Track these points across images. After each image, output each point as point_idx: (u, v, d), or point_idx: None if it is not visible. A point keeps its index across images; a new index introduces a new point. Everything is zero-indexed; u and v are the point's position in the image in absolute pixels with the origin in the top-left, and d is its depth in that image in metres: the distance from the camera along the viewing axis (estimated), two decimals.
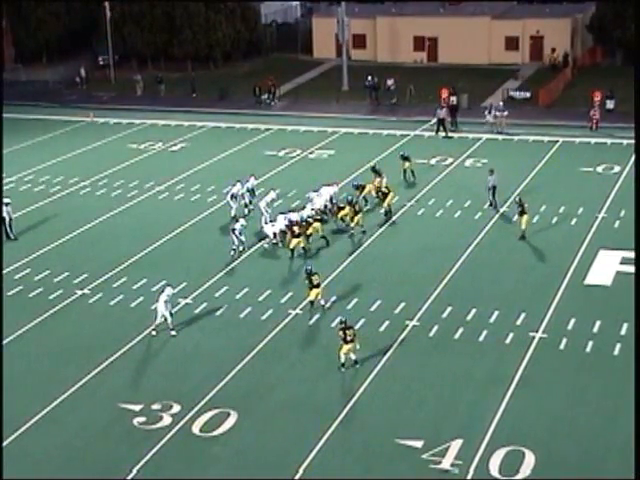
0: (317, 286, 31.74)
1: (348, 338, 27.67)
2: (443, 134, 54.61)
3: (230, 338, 30.20)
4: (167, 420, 25.38)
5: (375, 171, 43.25)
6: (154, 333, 30.32)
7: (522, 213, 37.73)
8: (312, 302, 31.91)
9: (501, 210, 41.32)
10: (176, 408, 25.92)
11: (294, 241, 36.40)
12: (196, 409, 25.84)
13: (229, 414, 25.62)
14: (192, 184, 46.00)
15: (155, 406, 26.05)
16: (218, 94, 66.21)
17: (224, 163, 50.27)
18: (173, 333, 30.30)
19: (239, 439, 24.57)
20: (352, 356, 27.87)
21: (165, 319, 30.23)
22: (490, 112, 55.46)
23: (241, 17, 78.17)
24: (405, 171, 45.64)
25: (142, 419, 25.47)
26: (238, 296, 33.16)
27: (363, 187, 41.52)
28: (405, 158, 45.83)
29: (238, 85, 67.96)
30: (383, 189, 40.89)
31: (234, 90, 66.75)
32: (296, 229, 36.56)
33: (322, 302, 31.98)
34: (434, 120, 55.95)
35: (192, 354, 29.24)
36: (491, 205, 41.62)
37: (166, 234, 39.33)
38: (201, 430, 24.94)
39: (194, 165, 49.30)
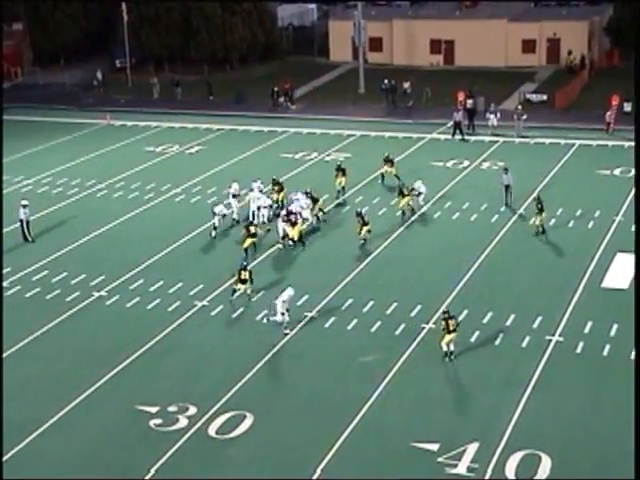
0: (244, 282, 32.35)
1: (451, 328, 27.93)
2: (459, 137, 54.57)
3: (246, 340, 30.25)
4: (183, 422, 25.44)
5: (341, 170, 44.12)
6: (287, 331, 30.39)
7: (541, 211, 37.77)
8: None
9: (518, 212, 41.24)
10: (192, 410, 25.98)
11: (248, 241, 36.63)
12: (212, 411, 25.89)
13: (245, 416, 25.66)
14: (209, 187, 46.10)
15: (171, 408, 26.12)
16: (235, 97, 66.32)
17: (241, 166, 50.34)
18: (286, 332, 30.35)
19: (255, 441, 24.61)
20: (451, 347, 28.16)
21: (283, 315, 30.32)
22: (495, 115, 55.42)
23: (257, 20, 78.28)
24: (383, 176, 45.59)
25: (158, 421, 25.54)
26: (254, 299, 33.20)
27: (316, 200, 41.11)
28: (389, 161, 45.77)
29: (255, 88, 68.04)
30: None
31: (251, 93, 66.84)
32: (252, 229, 36.81)
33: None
34: (450, 123, 55.92)
35: (208, 356, 29.31)
36: (507, 205, 41.65)
37: (183, 236, 39.43)
38: (217, 432, 25.00)
39: (211, 168, 49.42)
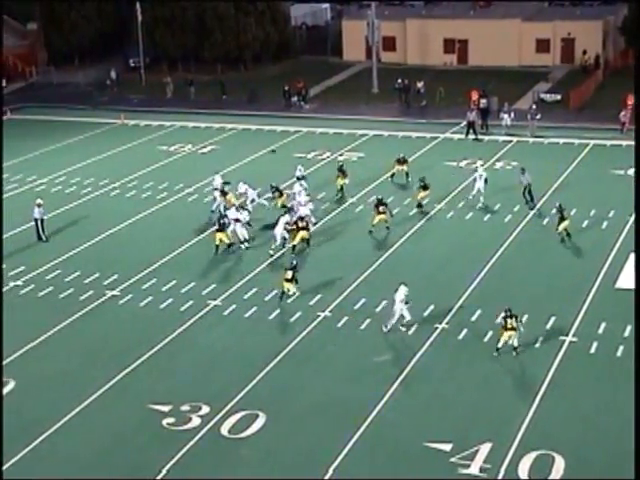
0: (289, 280, 32.25)
1: (508, 326, 28.09)
2: (473, 137, 54.46)
3: (259, 340, 30.25)
4: (196, 421, 25.45)
5: (342, 171, 44.42)
6: (385, 330, 30.28)
7: (562, 219, 37.24)
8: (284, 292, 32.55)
9: (532, 212, 41.12)
10: (205, 409, 25.98)
11: (218, 235, 36.95)
12: (225, 410, 25.89)
13: (258, 416, 25.65)
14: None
15: (184, 407, 26.13)
16: (248, 96, 66.37)
17: (253, 165, 50.36)
18: (403, 329, 30.31)
19: (267, 441, 24.59)
20: (515, 342, 28.42)
21: (403, 317, 30.18)
22: (508, 114, 55.31)
23: (271, 19, 78.33)
24: (394, 175, 45.79)
25: (171, 420, 25.55)
26: (267, 298, 33.20)
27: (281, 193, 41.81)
28: (403, 161, 45.96)
29: (268, 87, 68.06)
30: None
31: (264, 92, 66.87)
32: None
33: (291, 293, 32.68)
34: (464, 123, 55.82)
35: (221, 355, 29.32)
36: (527, 203, 41.55)
37: (196, 236, 39.47)
38: (230, 432, 24.99)
39: (223, 167, 49.36)
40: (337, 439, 24.41)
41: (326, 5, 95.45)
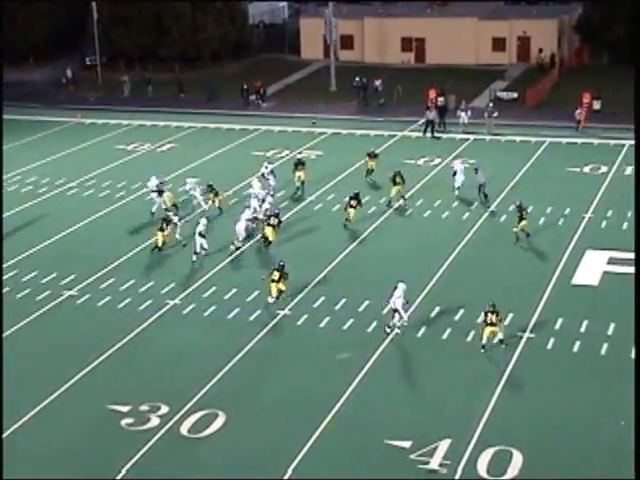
0: (276, 281, 32.11)
1: (488, 321, 28.40)
2: (430, 135, 54.75)
3: (218, 339, 30.19)
4: (155, 421, 25.34)
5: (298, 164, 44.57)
6: (388, 330, 30.05)
7: (521, 218, 37.30)
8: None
9: (489, 209, 41.44)
10: (164, 409, 25.88)
11: (160, 234, 36.94)
12: (184, 410, 25.81)
13: (217, 415, 25.60)
14: (180, 185, 45.88)
15: (143, 407, 26.01)
16: (206, 95, 66.16)
17: (212, 164, 50.24)
18: (397, 331, 30.11)
19: (228, 440, 24.56)
20: (499, 336, 28.74)
21: (401, 317, 30.05)
22: (466, 112, 55.72)
23: (229, 17, 78.09)
24: (370, 170, 45.91)
25: (130, 420, 25.42)
26: (226, 297, 33.15)
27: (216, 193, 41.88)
28: (373, 156, 46.20)
29: (226, 86, 67.89)
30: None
31: (222, 91, 66.68)
32: (164, 224, 37.02)
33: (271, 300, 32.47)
34: (422, 121, 56.11)
35: (180, 355, 29.21)
36: (482, 202, 41.95)
37: (154, 235, 39.21)
38: (189, 431, 24.92)
39: (182, 166, 49.24)
40: (297, 437, 24.44)
41: (284, 3, 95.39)
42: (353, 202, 39.43)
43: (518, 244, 37.33)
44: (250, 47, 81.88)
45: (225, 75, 73.74)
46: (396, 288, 29.99)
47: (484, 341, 28.76)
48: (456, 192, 43.04)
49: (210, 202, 41.69)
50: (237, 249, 37.21)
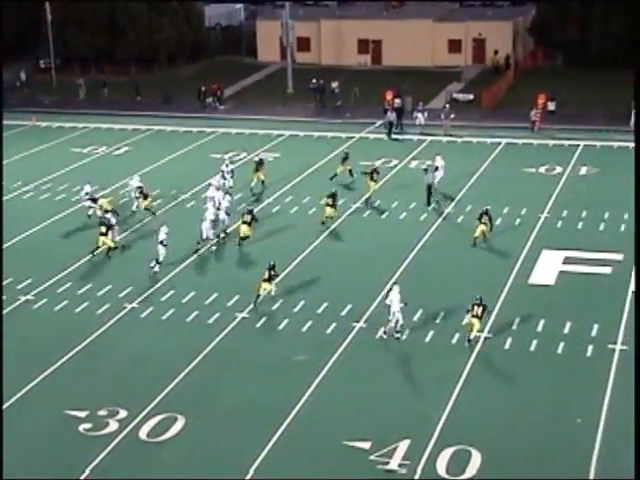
0: (267, 280, 32.18)
1: (474, 313, 28.89)
2: (387, 137, 54.95)
3: (177, 342, 30.05)
4: (114, 426, 25.16)
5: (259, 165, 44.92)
6: (397, 335, 29.86)
7: (483, 224, 37.25)
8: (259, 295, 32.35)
9: (446, 210, 41.66)
10: (122, 414, 25.71)
11: (101, 239, 36.69)
12: (143, 414, 25.64)
13: (176, 419, 25.48)
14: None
15: (101, 412, 25.81)
16: (163, 97, 65.87)
17: (169, 166, 50.02)
18: (397, 335, 29.85)
19: (187, 444, 24.44)
20: (474, 332, 29.17)
21: (398, 321, 29.78)
22: (422, 114, 56.02)
23: (185, 19, 77.92)
24: (350, 171, 45.93)
25: (88, 425, 25.22)
26: (184, 300, 33.01)
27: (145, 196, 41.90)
28: (345, 158, 46.33)
29: (183, 88, 67.66)
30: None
31: (179, 93, 66.46)
32: (104, 229, 36.75)
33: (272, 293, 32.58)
34: (380, 122, 56.34)
35: (138, 359, 29.04)
36: (431, 204, 42.01)
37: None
38: (148, 435, 24.78)
39: (139, 169, 48.90)
40: (257, 439, 24.40)
41: (240, 5, 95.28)
42: (329, 201, 39.53)
43: (475, 244, 37.57)
44: (207, 49, 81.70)
45: (182, 77, 73.50)
46: (391, 290, 29.99)
47: (472, 335, 29.21)
48: (436, 187, 43.53)
49: (136, 205, 41.53)
50: (198, 250, 37.19)
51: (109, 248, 36.93)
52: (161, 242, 35.30)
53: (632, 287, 33.11)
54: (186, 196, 44.33)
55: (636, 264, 34.22)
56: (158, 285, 34.19)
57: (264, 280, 32.22)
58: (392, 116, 55.48)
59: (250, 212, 38.12)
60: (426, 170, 43.05)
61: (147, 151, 53.16)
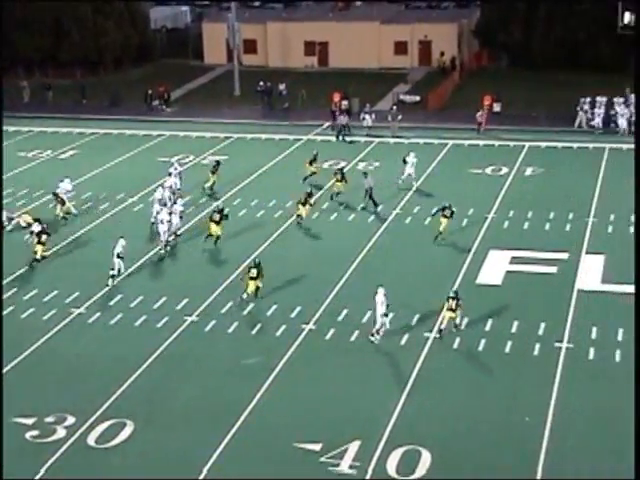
0: (254, 278, 32.41)
1: (449, 306, 29.58)
2: (335, 138, 55.07)
3: (125, 347, 29.81)
4: (61, 433, 24.90)
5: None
6: (373, 338, 29.68)
7: (445, 217, 37.72)
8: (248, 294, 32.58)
9: (394, 213, 41.84)
10: (70, 420, 25.45)
11: (39, 247, 36.38)
12: (91, 420, 25.41)
13: (125, 424, 25.29)
14: (83, 192, 45.23)
15: (48, 419, 25.52)
16: (108, 100, 65.36)
17: (116, 170, 49.63)
18: (372, 339, 29.67)
19: (137, 449, 24.27)
20: (457, 321, 29.93)
21: (384, 324, 29.68)
22: (370, 115, 56.27)
23: (130, 21, 77.36)
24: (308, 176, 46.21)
25: (35, 433, 24.92)
26: (132, 304, 32.78)
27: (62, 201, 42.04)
28: (313, 160, 46.73)
29: (129, 91, 67.20)
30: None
31: (125, 96, 65.98)
32: (44, 237, 36.40)
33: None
34: (327, 124, 56.48)
35: (86, 364, 28.75)
36: (367, 207, 42.14)
37: (57, 243, 38.58)
38: (97, 441, 24.55)
39: (85, 173, 48.52)
40: (208, 443, 24.30)
41: (186, 8, 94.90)
42: (303, 200, 40.01)
43: (424, 244, 37.79)
44: (153, 52, 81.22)
45: (127, 80, 72.97)
46: (376, 293, 30.00)
47: (443, 326, 29.69)
48: (400, 182, 44.64)
49: (58, 210, 41.23)
50: (165, 250, 37.22)
51: (34, 259, 36.31)
52: (118, 255, 34.55)
53: (577, 286, 33.56)
54: (133, 199, 44.03)
55: (636, 264, 34.43)
56: (105, 290, 33.89)
57: (251, 278, 32.34)
58: (344, 119, 55.62)
59: (220, 211, 38.06)
60: (365, 174, 43.31)
61: (93, 155, 52.68)
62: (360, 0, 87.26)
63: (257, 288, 32.60)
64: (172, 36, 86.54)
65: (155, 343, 29.86)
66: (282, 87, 66.01)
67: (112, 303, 32.87)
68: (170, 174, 44.20)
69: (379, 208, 41.91)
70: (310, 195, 40.54)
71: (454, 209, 38.06)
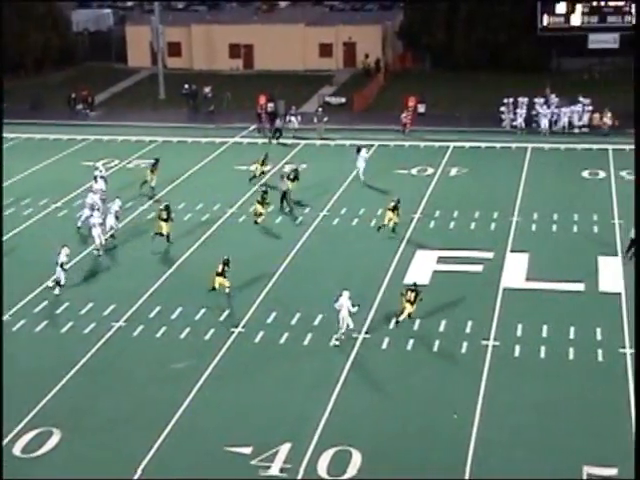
0: (220, 274, 32.73)
1: (407, 298, 30.45)
2: (267, 140, 55.03)
3: (51, 355, 29.37)
4: None
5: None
6: (337, 343, 29.56)
7: (393, 209, 38.44)
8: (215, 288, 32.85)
9: (321, 214, 41.93)
10: None
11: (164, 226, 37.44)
12: (16, 430, 24.97)
13: (52, 433, 24.92)
14: (5, 198, 44.41)
15: None
16: (30, 104, 64.34)
17: (40, 175, 48.87)
18: (337, 343, 29.65)
19: (64, 457, 23.92)
20: (402, 316, 30.62)
21: (348, 325, 29.59)
22: (296, 117, 56.36)
23: (51, 24, 76.30)
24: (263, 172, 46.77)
25: None
26: (58, 311, 32.33)
27: None
28: (263, 162, 47.08)
29: (52, 95, 66.25)
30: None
31: (48, 100, 65.02)
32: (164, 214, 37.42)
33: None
34: (253, 127, 56.40)
35: (11, 373, 28.18)
36: (284, 209, 42.22)
37: None
38: (23, 451, 24.14)
39: (7, 178, 47.64)
40: (137, 449, 24.07)
41: (108, 10, 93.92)
42: (260, 199, 40.38)
43: (352, 245, 37.97)
44: (75, 55, 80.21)
45: (50, 84, 71.96)
46: (340, 296, 29.97)
47: (401, 318, 30.42)
48: (362, 177, 45.91)
49: None
50: (99, 255, 36.87)
51: None
52: (61, 265, 33.68)
53: (503, 284, 34.02)
54: (58, 205, 43.44)
55: (636, 264, 34.78)
56: (29, 297, 33.35)
57: (217, 274, 32.51)
58: (280, 123, 55.57)
59: (167, 208, 38.04)
60: (282, 176, 43.44)
61: (15, 160, 51.70)
62: (284, 0, 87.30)
63: (222, 285, 32.77)
64: (95, 39, 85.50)
65: (82, 350, 29.47)
66: (207, 90, 65.74)
67: (36, 310, 32.36)
68: (95, 178, 43.70)
69: (292, 211, 41.97)
70: (266, 193, 40.82)
71: (398, 204, 38.92)
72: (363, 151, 46.78)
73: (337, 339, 29.79)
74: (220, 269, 32.73)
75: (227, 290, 32.96)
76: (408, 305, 30.54)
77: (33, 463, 23.68)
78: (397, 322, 30.50)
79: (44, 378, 27.72)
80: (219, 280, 32.78)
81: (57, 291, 33.61)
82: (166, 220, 37.88)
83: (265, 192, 40.97)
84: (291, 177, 43.65)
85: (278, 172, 46.85)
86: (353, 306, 29.75)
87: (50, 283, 33.89)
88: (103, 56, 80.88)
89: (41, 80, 73.08)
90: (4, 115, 61.76)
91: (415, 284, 31.05)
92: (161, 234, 37.84)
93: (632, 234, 35.98)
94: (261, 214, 40.41)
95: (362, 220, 40.97)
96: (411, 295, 30.53)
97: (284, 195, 42.37)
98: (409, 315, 30.69)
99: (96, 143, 55.82)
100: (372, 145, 53.71)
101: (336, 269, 35.90)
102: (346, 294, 29.88)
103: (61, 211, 42.66)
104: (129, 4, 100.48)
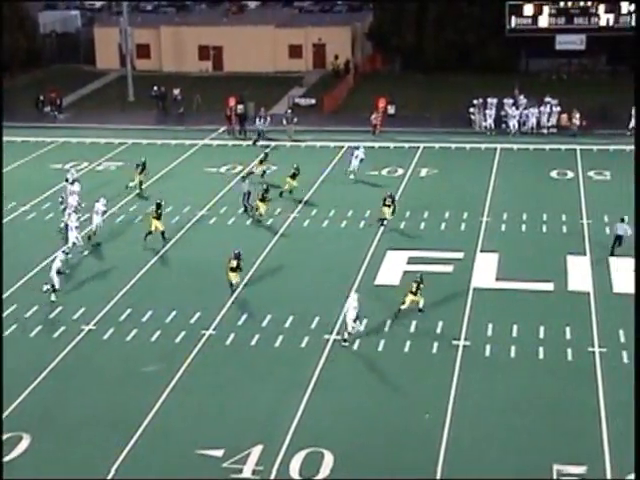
0: (234, 270, 33.11)
1: (413, 290, 31.14)
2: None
3: (20, 359, 29.12)
4: None
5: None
6: (346, 344, 29.51)
7: (387, 206, 39.62)
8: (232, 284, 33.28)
9: (292, 216, 41.91)
10: None
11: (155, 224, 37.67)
12: None
13: (22, 437, 24.74)
14: None
15: None
16: None
17: (7, 178, 48.40)
18: (344, 344, 29.61)
19: (34, 462, 23.75)
20: (420, 305, 31.43)
21: (353, 327, 29.49)
22: (263, 119, 56.27)
23: (18, 26, 75.75)
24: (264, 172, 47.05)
25: None
26: (27, 315, 32.10)
27: None
28: (263, 160, 47.66)
29: (18, 97, 65.78)
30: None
31: (15, 102, 64.54)
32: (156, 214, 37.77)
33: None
34: (223, 129, 56.34)
35: None
36: (245, 211, 42.17)
37: None
38: None
39: None
40: (108, 452, 23.95)
41: (76, 12, 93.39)
42: (261, 197, 40.71)
43: (323, 246, 38.00)
44: (42, 57, 79.68)
45: (17, 86, 71.42)
46: (348, 297, 30.06)
47: (404, 307, 31.11)
48: (351, 176, 46.35)
49: None
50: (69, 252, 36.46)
51: None
52: (57, 270, 33.20)
53: (473, 284, 34.17)
54: (25, 208, 43.13)
55: (636, 264, 34.81)
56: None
57: (231, 269, 32.90)
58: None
59: (158, 206, 38.21)
60: (244, 178, 43.44)
61: None
62: (253, 0, 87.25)
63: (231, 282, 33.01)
64: (62, 41, 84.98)
65: (51, 354, 29.28)
66: (177, 92, 65.50)
67: (5, 315, 32.10)
68: (67, 180, 43.41)
69: (250, 213, 41.86)
70: (267, 191, 41.09)
71: (394, 198, 40.16)
72: (360, 151, 47.30)
73: (344, 339, 29.79)
74: (235, 264, 33.00)
75: (234, 283, 33.46)
76: (410, 295, 31.09)
77: (5, 467, 23.47)
78: (399, 310, 31.14)
79: (12, 382, 27.47)
80: (232, 275, 33.18)
81: (53, 297, 33.10)
82: (158, 218, 38.03)
83: (266, 190, 41.23)
84: (290, 174, 44.17)
85: (244, 174, 46.80)
86: (355, 321, 29.64)
87: (44, 288, 33.26)
88: (71, 58, 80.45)
89: (7, 82, 72.45)
90: None
91: (421, 276, 31.62)
92: (151, 232, 38.01)
93: (617, 231, 36.25)
94: (259, 210, 40.84)
95: (332, 221, 41.01)
96: (414, 286, 31.10)
97: (246, 197, 42.23)
98: (420, 309, 31.35)
99: (65, 146, 55.49)
100: (342, 147, 53.75)
101: (307, 270, 35.91)
102: (354, 296, 30.04)
103: (29, 214, 42.34)
104: (97, 5, 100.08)
